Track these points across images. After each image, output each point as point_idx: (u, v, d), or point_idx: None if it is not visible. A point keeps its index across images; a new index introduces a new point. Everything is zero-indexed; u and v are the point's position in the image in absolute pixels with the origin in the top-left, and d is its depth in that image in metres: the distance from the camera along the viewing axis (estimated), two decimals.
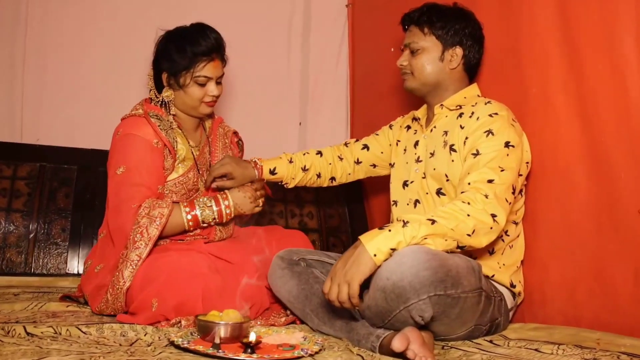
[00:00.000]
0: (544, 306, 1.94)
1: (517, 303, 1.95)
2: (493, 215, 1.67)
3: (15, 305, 1.89)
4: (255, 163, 2.17)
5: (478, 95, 2.02)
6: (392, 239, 1.59)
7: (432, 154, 1.97)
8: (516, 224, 1.93)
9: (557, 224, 1.91)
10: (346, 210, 2.85)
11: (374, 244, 1.59)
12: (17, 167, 2.48)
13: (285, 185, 2.23)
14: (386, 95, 2.72)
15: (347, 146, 2.29)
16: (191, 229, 1.99)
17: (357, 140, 2.29)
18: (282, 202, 2.77)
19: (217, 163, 2.11)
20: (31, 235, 2.38)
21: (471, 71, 2.04)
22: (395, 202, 2.07)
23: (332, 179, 2.26)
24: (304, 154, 2.26)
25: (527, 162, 1.90)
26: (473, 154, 1.80)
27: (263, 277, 1.99)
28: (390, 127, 2.24)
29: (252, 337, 1.51)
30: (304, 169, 2.22)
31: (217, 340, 1.49)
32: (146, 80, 2.12)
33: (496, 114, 1.85)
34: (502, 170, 1.74)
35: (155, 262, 1.83)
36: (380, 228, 1.64)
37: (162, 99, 2.05)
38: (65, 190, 2.47)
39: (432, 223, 1.62)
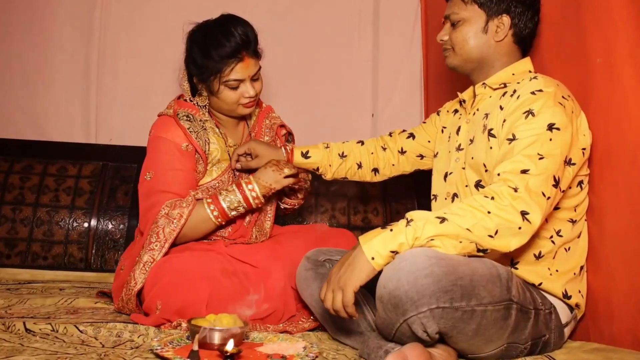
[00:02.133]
0: (611, 322, 1.57)
1: (577, 317, 1.60)
2: (523, 213, 1.36)
3: (48, 300, 1.88)
4: (286, 146, 1.99)
5: (530, 72, 1.68)
6: (393, 241, 1.35)
7: (472, 141, 1.67)
8: (574, 222, 1.58)
9: (625, 221, 1.53)
10: (415, 205, 2.57)
11: (372, 246, 1.36)
12: (82, 167, 2.50)
13: (322, 176, 2.02)
14: (463, 83, 2.40)
15: (391, 136, 2.04)
16: (221, 222, 1.84)
17: (403, 131, 2.03)
18: (344, 198, 2.56)
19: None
20: (91, 232, 2.39)
21: (523, 43, 1.71)
22: (435, 197, 1.79)
23: (375, 170, 2.02)
24: (344, 142, 2.04)
25: (584, 148, 1.54)
26: (509, 140, 1.49)
27: (292, 281, 1.81)
28: (438, 113, 1.96)
29: (230, 346, 1.34)
30: (342, 156, 2.00)
31: (195, 347, 1.34)
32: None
33: (540, 90, 1.51)
34: (540, 158, 1.42)
35: (165, 263, 1.72)
36: (383, 227, 1.39)
37: (196, 102, 1.93)
38: (125, 188, 2.46)
39: (442, 221, 1.35)
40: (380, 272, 1.36)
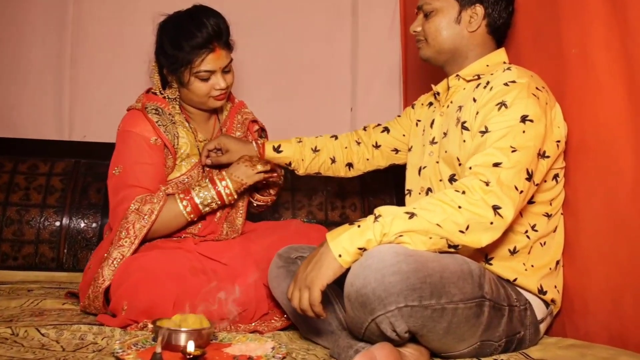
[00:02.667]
0: (586, 318, 1.53)
1: (553, 313, 1.56)
2: (495, 208, 1.31)
3: (13, 302, 1.81)
4: (257, 140, 1.93)
5: (504, 62, 1.63)
6: (360, 237, 1.29)
7: (445, 134, 1.62)
8: (549, 216, 1.53)
9: (600, 215, 1.49)
10: (394, 200, 2.52)
11: (339, 243, 1.30)
12: (54, 164, 2.43)
13: (295, 171, 1.97)
14: (442, 76, 2.35)
15: (365, 130, 1.98)
16: (193, 218, 1.79)
17: (378, 125, 1.98)
18: (321, 193, 2.51)
19: None
20: (63, 231, 2.32)
21: (497, 34, 1.66)
22: (410, 192, 1.74)
23: (349, 165, 1.96)
24: (317, 137, 1.99)
25: (559, 141, 1.50)
26: (481, 132, 1.43)
27: (265, 279, 1.76)
28: (413, 106, 1.91)
29: (190, 347, 1.28)
30: (315, 150, 1.94)
31: (158, 350, 1.27)
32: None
33: (513, 82, 1.46)
34: (513, 151, 1.37)
35: (133, 262, 1.66)
36: (351, 223, 1.34)
37: (166, 95, 1.87)
38: (98, 185, 2.39)
39: (411, 217, 1.29)
40: (348, 270, 1.31)
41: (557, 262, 1.55)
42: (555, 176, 1.53)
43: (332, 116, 2.76)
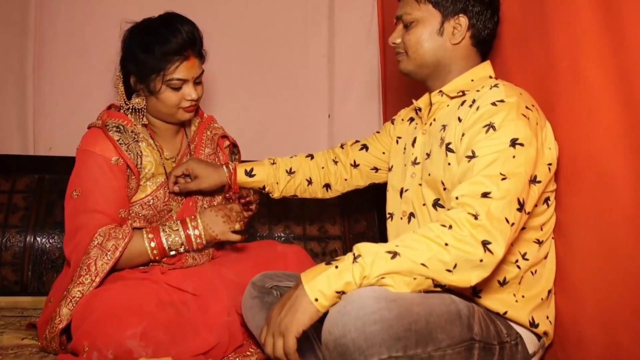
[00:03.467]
0: (580, 350, 1.41)
1: (545, 345, 1.44)
2: (485, 243, 1.18)
3: None
4: (228, 164, 1.78)
5: (490, 77, 1.51)
6: (338, 279, 1.16)
7: (429, 155, 1.49)
8: (540, 243, 1.41)
9: (593, 239, 1.37)
10: (375, 214, 2.39)
11: (315, 286, 1.17)
12: (16, 180, 2.26)
13: (270, 194, 1.82)
14: (425, 85, 2.22)
15: (342, 148, 1.84)
16: (158, 258, 1.66)
17: (356, 142, 1.84)
18: (299, 206, 2.37)
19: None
20: (27, 252, 2.16)
21: (482, 46, 1.53)
22: (391, 215, 1.61)
23: (327, 186, 1.82)
24: (291, 157, 1.84)
25: (550, 164, 1.37)
26: (468, 157, 1.30)
27: (238, 307, 1.62)
28: (392, 121, 1.77)
29: None
30: (290, 172, 1.80)
31: None
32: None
33: (501, 101, 1.33)
34: (503, 179, 1.24)
35: (94, 298, 1.51)
36: (328, 262, 1.21)
37: (132, 106, 1.72)
38: (63, 202, 2.21)
39: (393, 256, 1.16)
40: (326, 313, 1.18)
41: (549, 291, 1.43)
42: (546, 200, 1.41)
43: (309, 123, 2.62)
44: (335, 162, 1.81)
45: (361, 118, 2.61)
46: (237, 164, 1.78)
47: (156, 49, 1.63)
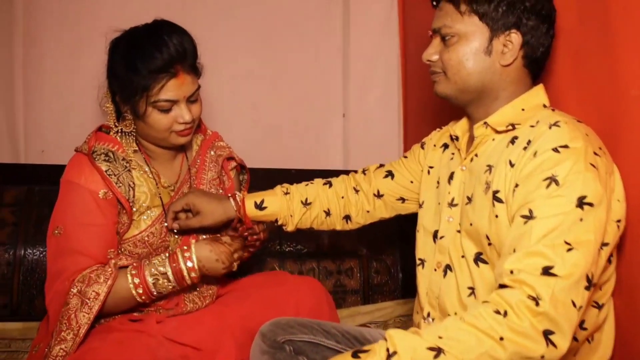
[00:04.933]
0: None
1: None
2: (547, 334, 0.95)
3: None
4: (235, 195, 1.53)
5: (544, 106, 1.24)
6: None
7: (470, 199, 1.23)
8: (600, 307, 1.17)
9: None
10: (398, 233, 2.15)
11: None
12: (3, 193, 2.02)
13: (283, 228, 1.56)
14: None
15: (365, 174, 1.59)
16: (146, 301, 1.42)
17: (380, 166, 1.58)
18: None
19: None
20: (15, 272, 1.93)
21: (535, 66, 1.25)
22: (422, 262, 1.37)
23: (347, 217, 1.57)
24: (307, 185, 1.59)
25: (619, 220, 1.12)
26: (524, 217, 1.05)
27: (246, 354, 1.40)
28: (422, 145, 1.51)
29: None
30: (305, 203, 1.54)
31: None
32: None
33: (565, 146, 1.07)
34: (569, 250, 0.99)
35: (81, 358, 1.28)
36: (355, 355, 0.97)
37: (120, 129, 1.47)
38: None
39: (437, 354, 0.93)
40: None
41: None
42: (610, 256, 1.16)
43: (322, 123, 2.36)
44: (357, 191, 1.56)
45: (379, 118, 2.35)
46: (245, 195, 1.52)
47: (138, 65, 1.36)
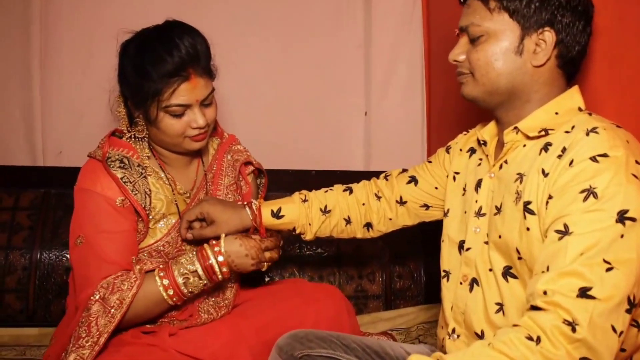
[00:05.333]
0: None
1: None
2: None
3: None
4: (250, 204, 1.45)
5: (580, 110, 1.14)
6: None
7: (499, 210, 1.15)
8: (639, 326, 1.08)
9: None
10: (420, 239, 2.07)
11: None
12: (20, 196, 1.98)
13: (302, 237, 1.49)
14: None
15: (387, 180, 1.50)
16: (178, 302, 1.37)
17: (403, 171, 1.50)
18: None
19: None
20: (32, 277, 1.90)
21: (570, 67, 1.16)
22: (447, 274, 1.28)
23: (368, 225, 1.49)
24: (326, 191, 1.51)
25: None
26: (558, 232, 0.97)
27: None
28: (448, 149, 1.42)
29: None
30: (325, 211, 1.47)
31: None
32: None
33: (604, 155, 0.98)
34: (609, 269, 0.91)
35: None
36: None
37: (133, 134, 1.41)
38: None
39: None
40: None
41: None
42: None
43: (343, 122, 2.28)
44: (379, 198, 1.48)
45: (402, 116, 2.26)
46: (262, 203, 1.45)
47: (149, 69, 1.31)
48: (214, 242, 1.37)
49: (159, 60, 1.30)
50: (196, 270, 1.33)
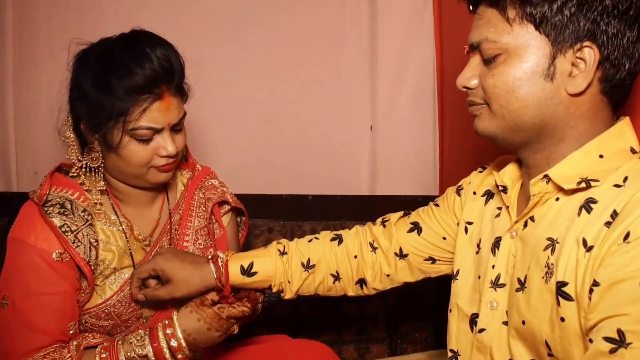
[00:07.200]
0: None
1: None
2: None
3: None
4: (216, 257, 1.16)
5: (632, 151, 0.83)
6: None
7: (522, 285, 0.85)
8: None
9: None
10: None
11: None
12: None
13: (281, 295, 1.20)
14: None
15: (384, 226, 1.20)
16: None
17: (405, 215, 1.20)
18: None
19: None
20: None
21: (617, 92, 0.85)
22: (455, 356, 0.98)
23: (361, 282, 1.20)
24: (310, 241, 1.21)
25: None
26: (609, 340, 0.67)
27: None
28: (459, 191, 1.12)
29: None
30: (307, 266, 1.18)
31: None
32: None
33: None
34: None
35: None
36: None
37: (85, 164, 1.14)
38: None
39: None
40: None
41: None
42: None
43: (347, 137, 1.96)
44: (374, 249, 1.18)
45: (411, 131, 1.95)
46: (231, 256, 1.16)
47: (114, 84, 1.04)
48: (167, 321, 1.10)
49: (127, 72, 1.04)
50: (146, 355, 1.05)
